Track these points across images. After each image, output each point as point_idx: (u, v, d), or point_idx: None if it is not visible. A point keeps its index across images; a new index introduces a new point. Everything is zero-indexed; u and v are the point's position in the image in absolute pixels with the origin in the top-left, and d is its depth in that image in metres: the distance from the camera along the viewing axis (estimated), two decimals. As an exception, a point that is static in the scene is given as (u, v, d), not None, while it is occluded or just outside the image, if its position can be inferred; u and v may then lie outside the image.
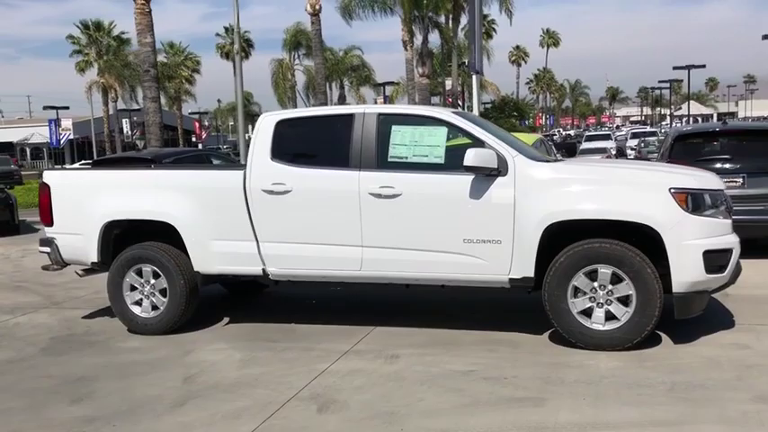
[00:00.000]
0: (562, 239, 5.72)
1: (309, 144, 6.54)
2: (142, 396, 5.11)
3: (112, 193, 6.86)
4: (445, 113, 6.25)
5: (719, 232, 5.53)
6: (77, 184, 7.13)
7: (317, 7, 24.29)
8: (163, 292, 6.68)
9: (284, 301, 8.02)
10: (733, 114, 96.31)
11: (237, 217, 6.44)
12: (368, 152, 6.12)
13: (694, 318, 5.66)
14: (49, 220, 7.08)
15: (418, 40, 32.10)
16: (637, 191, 5.60)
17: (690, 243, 5.38)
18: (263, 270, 6.45)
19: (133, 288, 6.78)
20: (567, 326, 5.63)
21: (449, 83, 35.78)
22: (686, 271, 5.39)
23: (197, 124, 61.71)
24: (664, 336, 5.79)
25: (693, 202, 5.44)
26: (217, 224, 6.51)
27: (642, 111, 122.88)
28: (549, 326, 6.09)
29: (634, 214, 5.45)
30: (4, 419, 4.79)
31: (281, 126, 6.46)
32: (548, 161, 6.21)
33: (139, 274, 6.75)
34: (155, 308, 6.73)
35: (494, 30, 58.00)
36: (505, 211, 5.72)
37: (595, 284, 5.58)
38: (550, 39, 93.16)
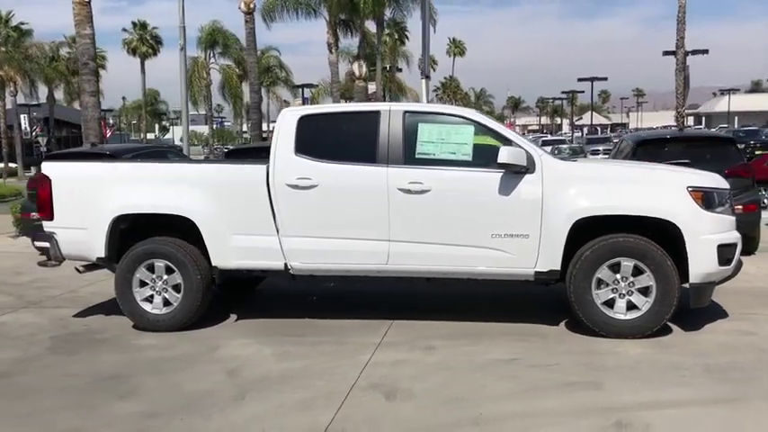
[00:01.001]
0: (581, 234, 6.03)
1: (334, 139, 6.58)
2: (193, 390, 5.03)
3: (124, 186, 6.66)
4: (472, 113, 6.48)
5: (728, 228, 6.01)
6: (83, 176, 6.86)
7: (252, 6, 24.02)
8: (176, 288, 6.55)
9: (281, 297, 8.00)
10: (625, 125, 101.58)
11: (259, 211, 6.41)
12: (395, 148, 6.25)
13: (689, 309, 6.08)
14: (48, 214, 6.78)
15: (342, 43, 32.33)
16: (658, 189, 6.01)
17: (706, 237, 5.82)
18: (285, 265, 6.44)
19: (143, 284, 6.60)
20: (592, 316, 5.96)
21: (372, 87, 36.08)
22: (703, 263, 5.82)
23: (102, 122, 59.22)
24: (673, 326, 6.21)
25: (707, 199, 5.89)
26: (237, 219, 6.45)
27: (540, 120, 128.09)
28: (562, 317, 6.45)
29: (658, 210, 5.84)
30: (62, 417, 4.62)
31: (304, 121, 6.48)
32: (569, 160, 6.51)
33: (150, 269, 6.58)
34: (166, 304, 6.59)
35: (406, 37, 58.90)
36: (534, 207, 5.99)
37: (618, 276, 5.93)
38: (457, 48, 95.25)
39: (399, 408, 4.61)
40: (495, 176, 6.06)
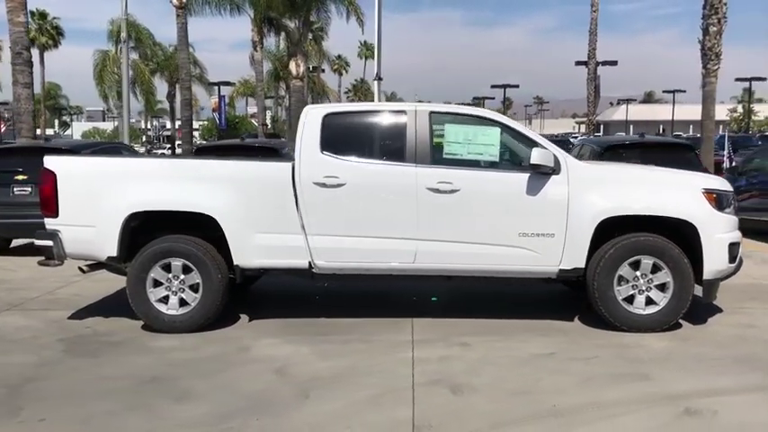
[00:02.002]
0: (599, 233, 6.29)
1: (360, 138, 6.59)
2: (251, 391, 4.92)
3: (140, 181, 6.41)
4: (496, 115, 6.64)
5: (734, 227, 6.44)
6: (92, 171, 6.55)
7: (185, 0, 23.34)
8: (193, 288, 6.37)
9: (280, 297, 7.89)
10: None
11: (284, 209, 6.33)
12: (423, 148, 6.32)
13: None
14: (52, 211, 6.43)
15: (267, 41, 31.93)
16: (676, 191, 6.37)
17: (719, 237, 6.22)
18: (310, 263, 6.38)
19: (157, 284, 6.38)
20: (614, 311, 6.24)
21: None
22: (716, 261, 6.22)
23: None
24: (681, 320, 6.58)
25: (719, 201, 6.30)
26: (260, 217, 6.34)
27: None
28: (570, 313, 6.73)
29: (677, 211, 6.19)
30: (127, 420, 4.43)
31: (329, 119, 6.46)
32: (590, 162, 6.77)
33: (166, 269, 6.37)
34: (182, 304, 6.39)
35: (322, 38, 58.76)
36: (560, 207, 6.21)
37: (638, 273, 6.24)
38: (368, 51, 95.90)
39: (472, 402, 4.69)
40: (522, 177, 6.25)
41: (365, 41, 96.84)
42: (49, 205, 6.43)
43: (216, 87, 45.92)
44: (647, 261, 6.22)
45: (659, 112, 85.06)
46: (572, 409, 4.54)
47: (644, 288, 6.26)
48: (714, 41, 16.54)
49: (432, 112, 6.48)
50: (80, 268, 6.78)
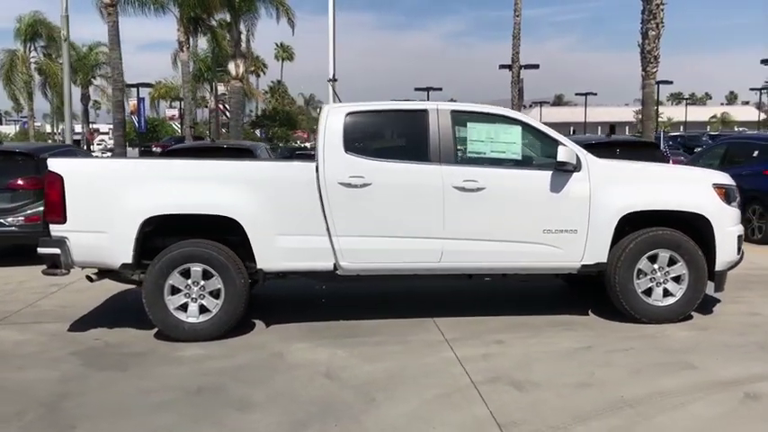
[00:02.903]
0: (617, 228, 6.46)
1: (383, 137, 6.54)
2: (312, 397, 4.79)
3: (157, 184, 6.12)
4: (517, 113, 6.71)
5: (739, 220, 6.75)
6: (104, 173, 6.20)
7: (115, -3, 22.41)
8: (213, 294, 6.14)
9: (283, 301, 7.71)
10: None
11: (309, 211, 6.19)
12: (447, 147, 6.33)
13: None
14: (59, 217, 6.05)
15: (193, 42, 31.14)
16: (690, 186, 6.63)
17: (729, 229, 6.52)
18: (335, 265, 6.27)
19: (175, 291, 6.11)
20: (634, 304, 6.42)
21: (221, 88, 35.16)
22: (726, 252, 6.51)
23: None
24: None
25: (727, 195, 6.60)
26: (284, 218, 6.18)
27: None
28: (583, 307, 6.89)
29: (692, 205, 6.44)
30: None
31: (351, 119, 6.36)
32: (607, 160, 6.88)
33: (185, 275, 6.11)
34: (203, 311, 6.15)
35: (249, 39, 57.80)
36: (582, 203, 6.35)
37: (655, 266, 6.46)
38: (285, 53, 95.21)
39: (542, 397, 4.72)
40: (545, 175, 6.35)
41: (281, 43, 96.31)
42: (56, 210, 6.05)
43: (135, 89, 44.32)
44: (664, 254, 6.44)
45: (569, 115, 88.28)
46: (639, 399, 4.64)
47: (661, 280, 6.47)
48: (653, 45, 17.32)
49: (453, 111, 6.48)
50: (89, 276, 6.41)
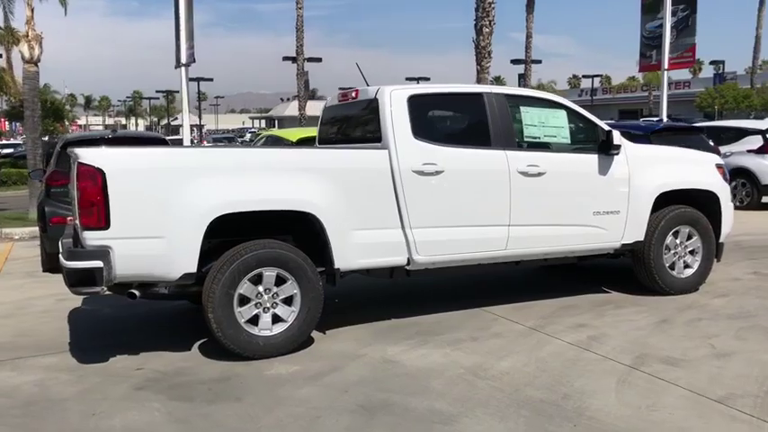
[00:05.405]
0: None
1: (446, 122, 6.20)
2: (502, 401, 4.39)
3: (223, 177, 5.17)
4: (560, 98, 6.74)
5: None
6: (160, 166, 5.07)
7: None
8: (286, 301, 5.38)
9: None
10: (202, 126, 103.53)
11: (383, 202, 5.69)
12: (507, 131, 6.20)
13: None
14: (100, 221, 4.86)
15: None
16: (701, 166, 7.19)
17: (729, 204, 7.22)
18: (408, 260, 5.82)
19: (243, 301, 5.24)
20: (665, 278, 6.85)
21: None
22: (727, 225, 7.21)
23: None
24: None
25: (725, 174, 7.29)
26: (359, 211, 5.60)
27: (105, 120, 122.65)
28: (596, 286, 7.21)
29: (707, 184, 7.03)
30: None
31: (414, 102, 5.93)
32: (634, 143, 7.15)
33: (255, 281, 5.26)
34: (276, 321, 5.35)
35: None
36: (624, 184, 6.60)
37: (678, 241, 6.94)
38: (12, 37, 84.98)
39: (706, 369, 4.83)
40: (593, 158, 6.50)
41: (8, 26, 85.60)
42: (96, 214, 4.85)
43: None
44: (684, 230, 6.95)
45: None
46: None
47: (682, 254, 6.98)
48: (487, 41, 18.36)
49: (507, 95, 6.35)
50: (131, 293, 5.18)
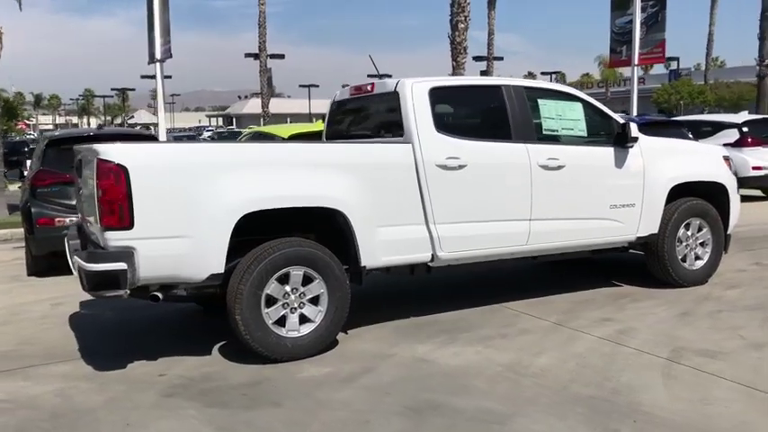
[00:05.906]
0: None
1: (467, 115, 6.07)
2: (553, 397, 4.31)
3: (251, 173, 4.96)
4: (576, 90, 6.67)
5: (736, 188, 7.56)
6: (185, 162, 4.82)
7: None
8: (313, 301, 5.20)
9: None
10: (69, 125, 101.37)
11: (408, 197, 5.56)
12: (527, 124, 6.11)
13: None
14: (123, 221, 4.61)
15: None
16: (711, 159, 7.21)
17: (736, 196, 7.26)
18: (432, 256, 5.70)
19: (270, 302, 5.05)
20: (678, 270, 6.85)
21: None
22: (735, 216, 7.25)
23: None
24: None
25: (730, 165, 7.34)
26: (385, 207, 5.45)
27: (55, 119, 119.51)
28: (606, 279, 7.20)
29: (718, 176, 7.06)
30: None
31: (435, 95, 5.79)
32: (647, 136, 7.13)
33: (282, 281, 5.07)
34: (303, 321, 5.17)
35: None
36: (638, 177, 6.58)
37: (689, 233, 6.95)
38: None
39: (745, 360, 4.83)
40: (609, 151, 6.46)
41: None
42: (119, 213, 4.60)
43: None
44: (695, 222, 6.97)
45: (287, 106, 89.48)
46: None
47: (693, 246, 7.00)
48: (462, 37, 18.36)
49: (525, 88, 6.26)
50: (154, 296, 4.94)
